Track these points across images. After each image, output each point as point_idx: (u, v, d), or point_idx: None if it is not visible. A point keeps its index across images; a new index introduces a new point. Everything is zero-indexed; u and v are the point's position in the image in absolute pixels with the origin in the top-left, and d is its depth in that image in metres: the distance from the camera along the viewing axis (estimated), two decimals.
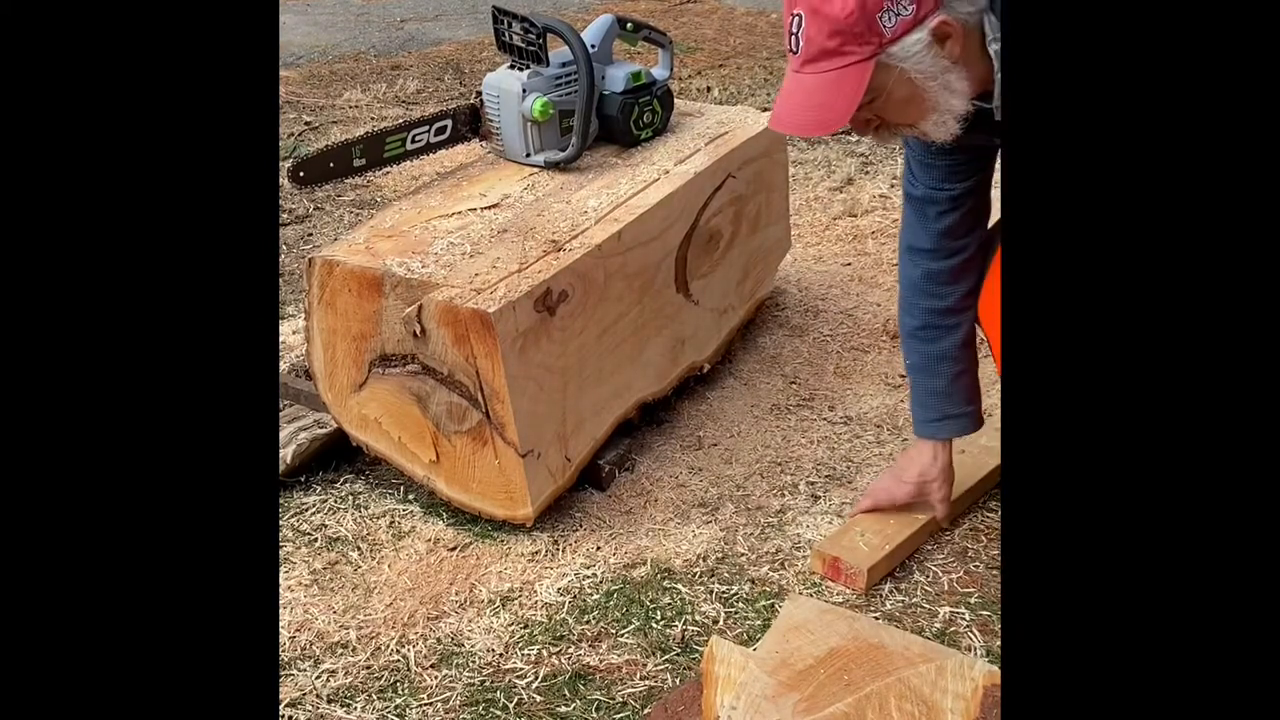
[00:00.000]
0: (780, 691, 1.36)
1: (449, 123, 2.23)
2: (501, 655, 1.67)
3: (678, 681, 1.61)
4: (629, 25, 2.25)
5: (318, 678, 1.63)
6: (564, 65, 2.12)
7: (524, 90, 2.09)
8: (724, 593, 1.79)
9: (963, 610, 1.74)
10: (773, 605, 1.75)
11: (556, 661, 1.66)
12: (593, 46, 2.14)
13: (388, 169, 2.29)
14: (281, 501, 2.02)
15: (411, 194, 2.15)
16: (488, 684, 1.62)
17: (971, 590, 1.79)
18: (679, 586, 1.80)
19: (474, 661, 1.66)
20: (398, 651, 1.68)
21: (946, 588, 1.80)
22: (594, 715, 1.56)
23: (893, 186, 3.35)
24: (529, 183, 2.13)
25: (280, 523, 1.97)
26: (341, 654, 1.68)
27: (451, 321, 1.76)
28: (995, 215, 1.72)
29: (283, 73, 4.79)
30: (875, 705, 1.34)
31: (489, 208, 2.04)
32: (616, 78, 2.21)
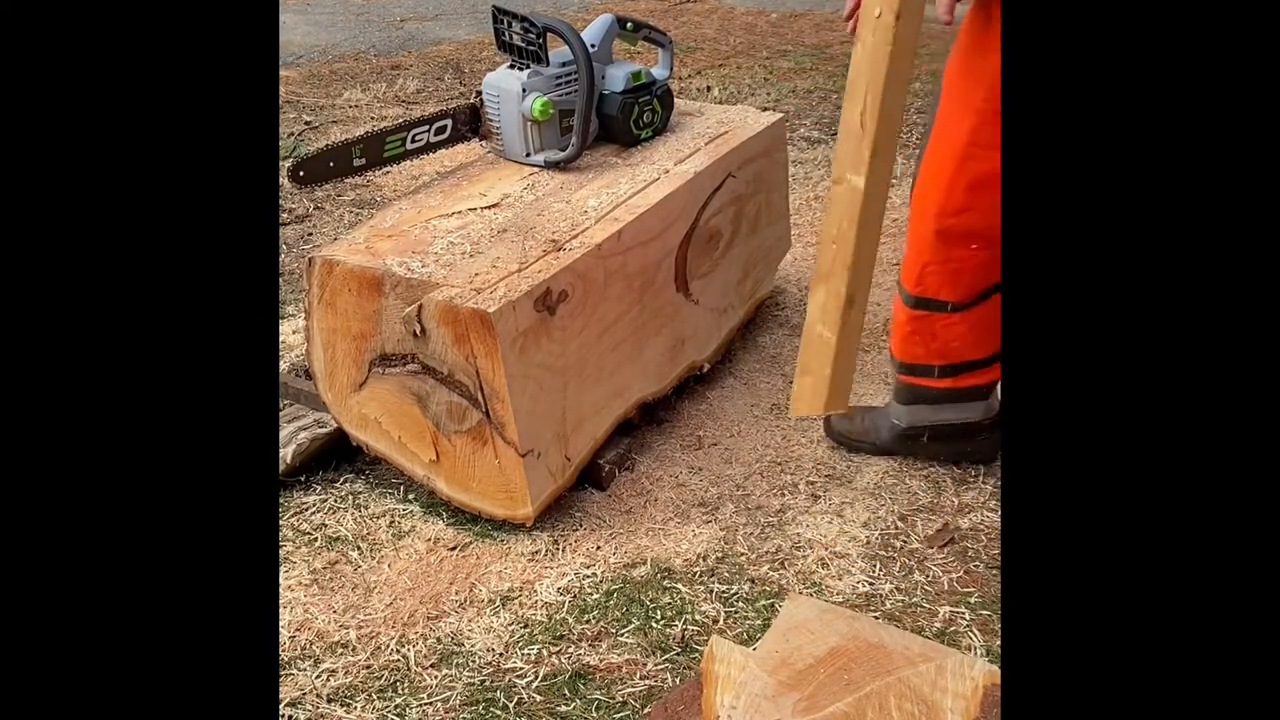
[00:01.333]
0: (780, 691, 1.36)
1: (449, 122, 2.23)
2: (501, 655, 1.67)
3: (678, 681, 1.61)
4: (629, 25, 2.25)
5: (318, 677, 1.63)
6: (564, 65, 2.12)
7: (524, 90, 2.09)
8: (724, 592, 1.79)
9: (963, 610, 1.74)
10: (773, 605, 1.75)
11: (556, 661, 1.66)
12: (593, 46, 2.14)
13: (387, 168, 2.29)
14: (282, 501, 2.02)
15: (411, 194, 2.15)
16: (488, 683, 1.62)
17: (971, 590, 1.79)
18: (679, 586, 1.80)
19: (474, 661, 1.66)
20: (398, 651, 1.68)
21: (946, 587, 1.80)
22: (594, 715, 1.56)
23: (892, 187, 3.35)
24: (529, 182, 2.14)
25: (280, 522, 1.97)
26: (341, 653, 1.68)
27: (451, 321, 1.76)
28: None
29: (283, 72, 4.80)
30: (875, 705, 1.34)
31: (489, 207, 2.04)
32: (616, 77, 2.21)
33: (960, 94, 1.79)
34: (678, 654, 1.67)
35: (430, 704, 1.58)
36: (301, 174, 2.06)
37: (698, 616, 1.74)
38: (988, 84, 1.74)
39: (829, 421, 2.16)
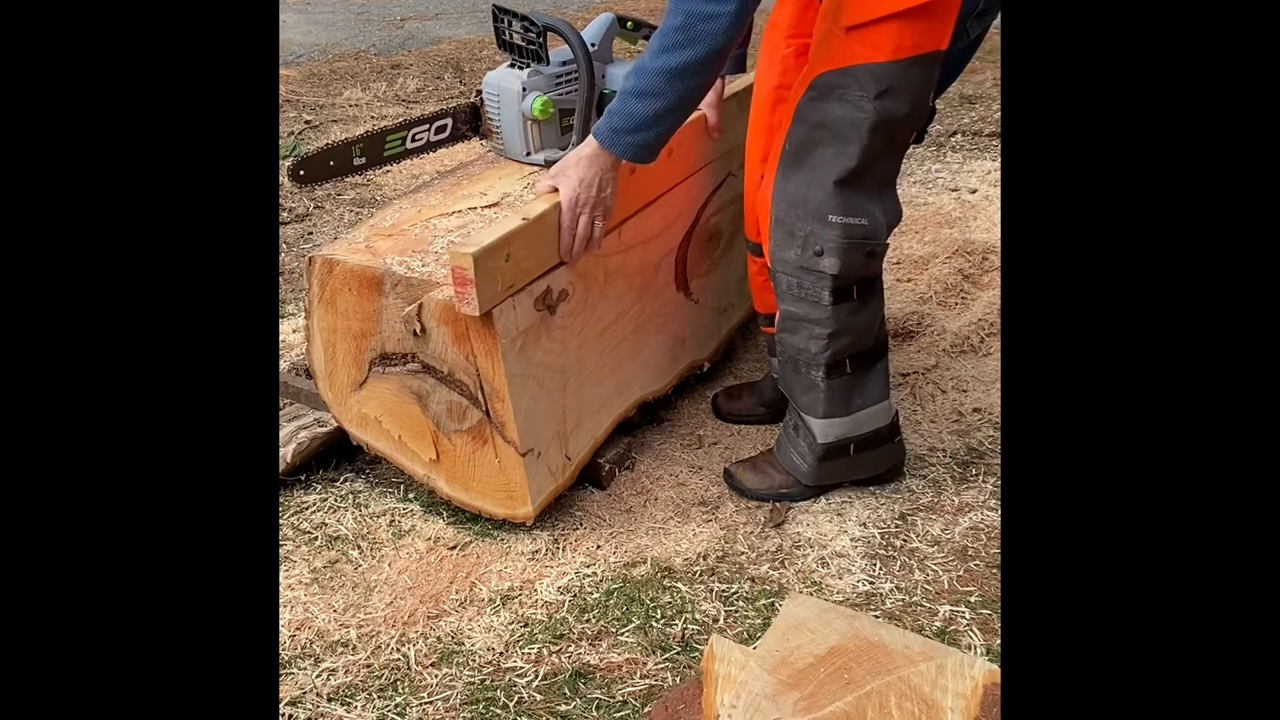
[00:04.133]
0: (780, 690, 1.36)
1: (449, 121, 2.23)
2: (502, 654, 1.67)
3: (678, 680, 1.61)
4: (629, 24, 2.25)
5: (318, 676, 1.63)
6: (564, 64, 2.12)
7: (524, 89, 2.08)
8: (724, 591, 1.79)
9: (963, 609, 1.74)
10: (773, 604, 1.75)
11: (557, 660, 1.66)
12: (593, 45, 2.13)
13: (388, 168, 2.28)
14: (282, 500, 2.02)
15: (411, 193, 2.15)
16: (488, 682, 1.62)
17: (971, 589, 1.79)
18: (679, 585, 1.80)
19: (474, 660, 1.66)
20: (398, 650, 1.68)
21: (946, 586, 1.80)
22: (594, 714, 1.56)
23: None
24: (529, 181, 2.13)
25: (280, 521, 1.97)
26: (342, 652, 1.68)
27: (452, 320, 1.76)
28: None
29: (283, 71, 4.79)
30: (875, 704, 1.34)
31: (489, 206, 2.04)
32: (617, 76, 2.20)
33: (769, 47, 1.89)
34: (678, 653, 1.67)
35: (430, 703, 1.58)
36: (301, 173, 2.06)
37: (698, 616, 1.74)
38: (785, 32, 1.88)
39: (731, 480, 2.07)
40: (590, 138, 1.76)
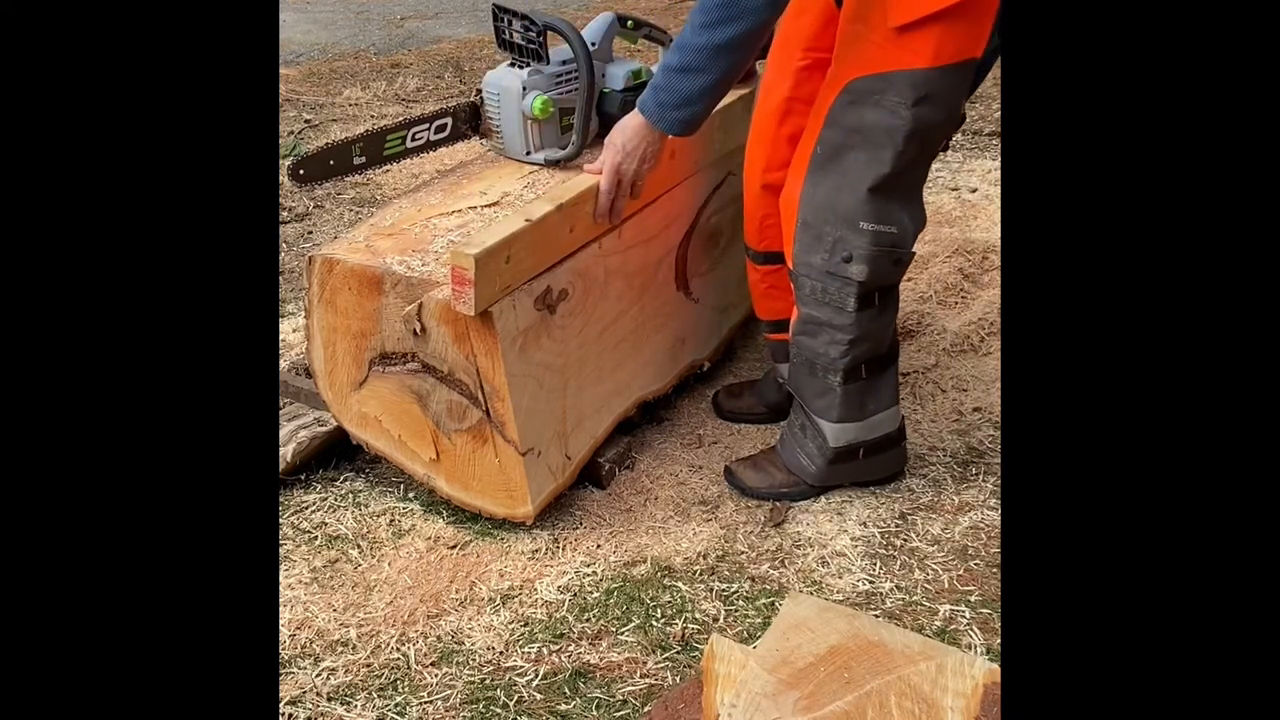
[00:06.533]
0: (780, 689, 1.36)
1: (449, 120, 2.23)
2: (502, 653, 1.67)
3: (678, 679, 1.61)
4: (629, 23, 2.25)
5: (318, 676, 1.63)
6: (564, 63, 2.12)
7: (524, 88, 2.08)
8: (724, 590, 1.79)
9: (963, 608, 1.74)
10: (773, 603, 1.75)
11: (557, 659, 1.66)
12: (593, 44, 2.13)
13: (388, 167, 2.28)
14: (282, 499, 2.02)
15: (411, 192, 2.15)
16: (488, 682, 1.62)
17: (971, 588, 1.79)
18: (679, 584, 1.80)
19: (474, 659, 1.66)
20: (398, 649, 1.68)
21: (946, 585, 1.80)
22: (594, 713, 1.56)
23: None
24: (529, 181, 2.13)
25: (280, 521, 1.97)
26: (342, 652, 1.68)
27: (452, 320, 1.76)
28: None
29: (282, 70, 4.79)
30: (875, 703, 1.34)
31: (489, 206, 2.04)
32: (617, 75, 2.20)
33: (780, 57, 1.88)
34: (678, 652, 1.67)
35: (430, 702, 1.58)
36: (301, 172, 2.06)
37: (698, 615, 1.74)
38: (802, 44, 1.86)
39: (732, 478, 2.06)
40: (635, 112, 1.78)
